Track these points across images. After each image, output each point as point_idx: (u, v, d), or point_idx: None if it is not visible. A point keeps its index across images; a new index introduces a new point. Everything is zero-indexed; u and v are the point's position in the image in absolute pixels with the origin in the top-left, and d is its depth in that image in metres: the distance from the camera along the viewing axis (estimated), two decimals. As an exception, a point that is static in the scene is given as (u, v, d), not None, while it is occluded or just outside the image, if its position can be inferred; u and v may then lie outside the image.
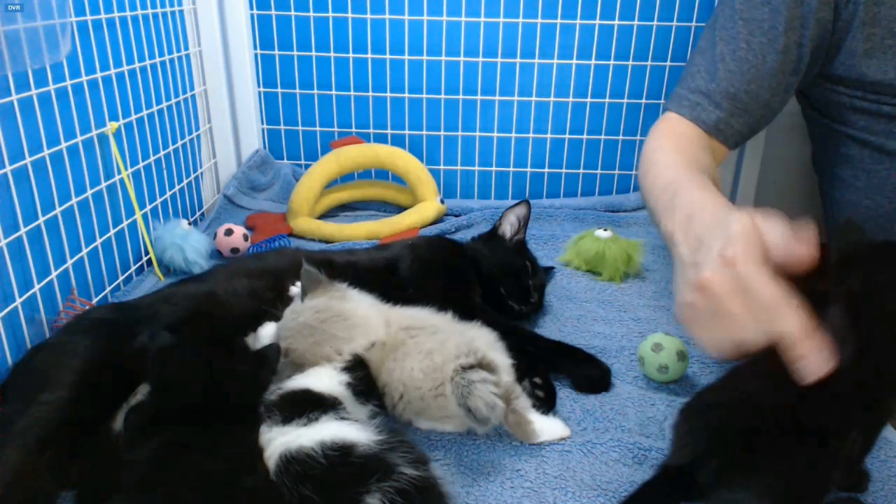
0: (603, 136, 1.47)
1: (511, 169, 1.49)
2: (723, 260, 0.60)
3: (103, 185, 1.01)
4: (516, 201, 1.03)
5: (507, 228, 1.02)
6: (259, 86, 1.44)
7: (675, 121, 1.06)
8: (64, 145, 0.91)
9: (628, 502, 0.59)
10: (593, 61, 1.41)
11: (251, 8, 1.38)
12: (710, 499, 0.57)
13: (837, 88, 1.00)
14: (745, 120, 1.03)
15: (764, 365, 0.61)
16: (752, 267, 0.58)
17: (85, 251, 0.96)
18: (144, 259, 1.12)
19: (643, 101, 1.44)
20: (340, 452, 0.58)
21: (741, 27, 1.00)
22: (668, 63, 1.40)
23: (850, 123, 1.01)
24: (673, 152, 0.95)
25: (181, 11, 1.26)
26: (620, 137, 1.47)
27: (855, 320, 0.58)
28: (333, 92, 1.44)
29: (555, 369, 0.83)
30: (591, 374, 0.83)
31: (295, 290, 0.80)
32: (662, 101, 1.43)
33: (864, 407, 0.58)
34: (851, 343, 0.57)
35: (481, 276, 0.95)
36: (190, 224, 1.12)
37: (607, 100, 1.44)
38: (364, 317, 0.74)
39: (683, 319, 0.66)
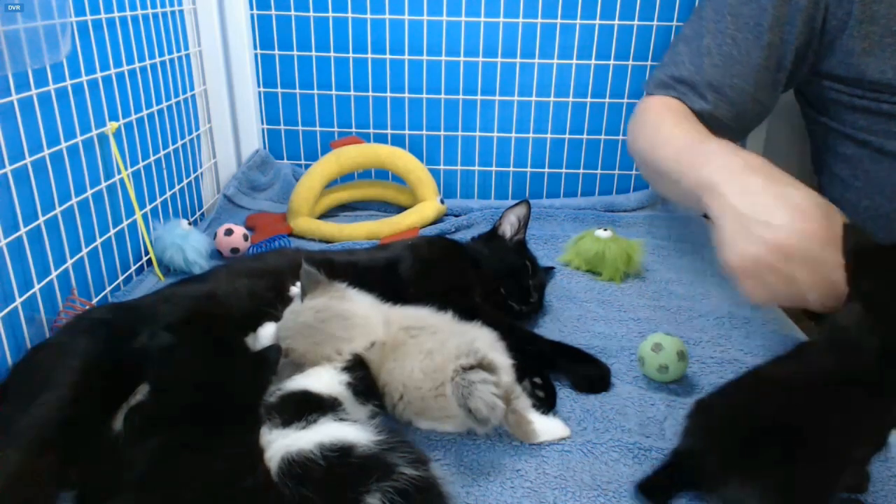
0: (603, 136, 1.47)
1: (511, 169, 1.49)
2: (813, 234, 0.66)
3: (103, 185, 1.01)
4: (516, 201, 1.03)
5: (507, 228, 1.03)
6: (259, 86, 1.44)
7: (667, 99, 1.06)
8: (64, 145, 0.91)
9: (644, 484, 0.61)
10: (593, 61, 1.41)
11: (251, 8, 1.38)
12: (714, 492, 0.58)
13: (836, 86, 1.00)
14: (731, 112, 1.02)
15: (774, 367, 0.62)
16: (836, 256, 0.63)
17: (85, 251, 0.96)
18: (144, 259, 1.12)
19: (643, 101, 1.43)
20: (340, 453, 0.58)
21: (729, 23, 1.00)
22: (668, 63, 1.40)
23: (848, 123, 1.01)
24: (681, 119, 0.97)
25: (181, 11, 1.26)
26: (620, 137, 1.47)
27: (867, 320, 0.59)
28: (333, 92, 1.44)
29: (555, 369, 0.83)
30: (591, 374, 0.83)
31: (295, 290, 0.80)
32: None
33: (874, 408, 0.58)
34: (864, 343, 0.58)
35: (481, 276, 0.95)
36: (190, 224, 1.12)
37: (607, 100, 1.44)
38: (364, 317, 0.74)
39: (739, 269, 0.71)
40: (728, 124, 1.04)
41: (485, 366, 0.68)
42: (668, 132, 0.96)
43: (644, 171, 1.08)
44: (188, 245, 1.07)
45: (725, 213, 0.74)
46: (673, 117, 1.00)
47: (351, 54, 1.41)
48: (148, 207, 1.14)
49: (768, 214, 0.69)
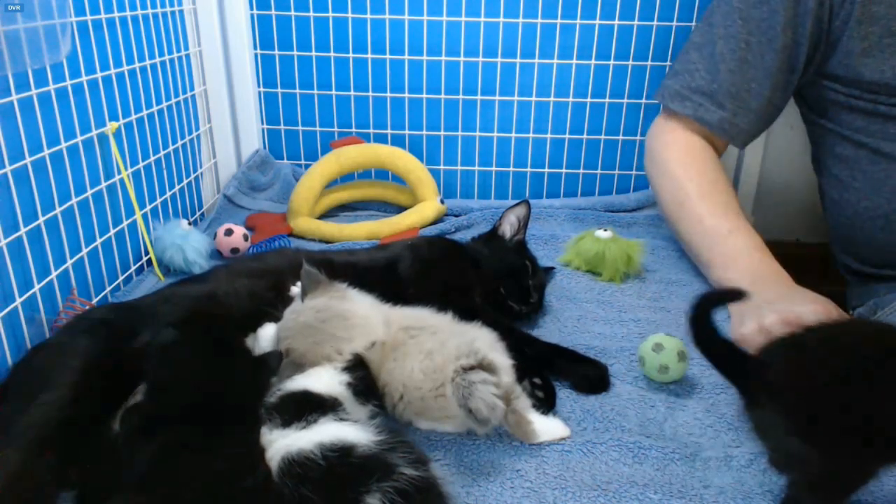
0: (603, 136, 1.47)
1: (511, 169, 1.49)
2: (821, 311, 0.80)
3: (103, 185, 1.01)
4: (516, 201, 1.03)
5: (507, 228, 1.02)
6: (259, 86, 1.44)
7: (681, 128, 1.07)
8: (64, 145, 0.91)
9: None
10: (593, 61, 1.41)
11: (251, 8, 1.38)
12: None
13: (834, 86, 1.00)
14: (749, 118, 1.04)
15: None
16: None
17: (85, 251, 0.96)
18: (144, 259, 1.12)
19: (643, 101, 1.43)
20: (340, 453, 0.58)
21: (740, 26, 1.00)
22: (668, 63, 1.40)
23: (845, 124, 1.01)
24: (707, 184, 1.04)
25: (181, 11, 1.26)
26: (620, 137, 1.47)
27: None
28: (333, 92, 1.44)
29: (553, 371, 0.83)
30: (590, 375, 0.83)
31: (295, 290, 0.80)
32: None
33: None
34: None
35: (481, 277, 0.95)
36: (190, 224, 1.12)
37: (607, 100, 1.44)
38: (364, 317, 0.74)
39: (747, 338, 0.82)
40: (747, 129, 1.05)
41: (485, 366, 0.68)
42: (695, 208, 1.04)
43: (664, 217, 1.16)
44: (188, 245, 1.07)
45: (746, 310, 0.86)
46: (698, 179, 1.05)
47: (351, 54, 1.41)
48: (148, 207, 1.14)
49: (783, 306, 0.82)
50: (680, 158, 1.08)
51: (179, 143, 1.26)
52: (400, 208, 1.37)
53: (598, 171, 1.50)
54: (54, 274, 0.89)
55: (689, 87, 1.06)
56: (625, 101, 1.44)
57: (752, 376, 0.61)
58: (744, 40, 1.00)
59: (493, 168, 1.49)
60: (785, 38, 0.98)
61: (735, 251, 0.96)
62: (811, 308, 0.81)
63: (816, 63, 1.00)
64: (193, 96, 1.33)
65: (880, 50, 0.93)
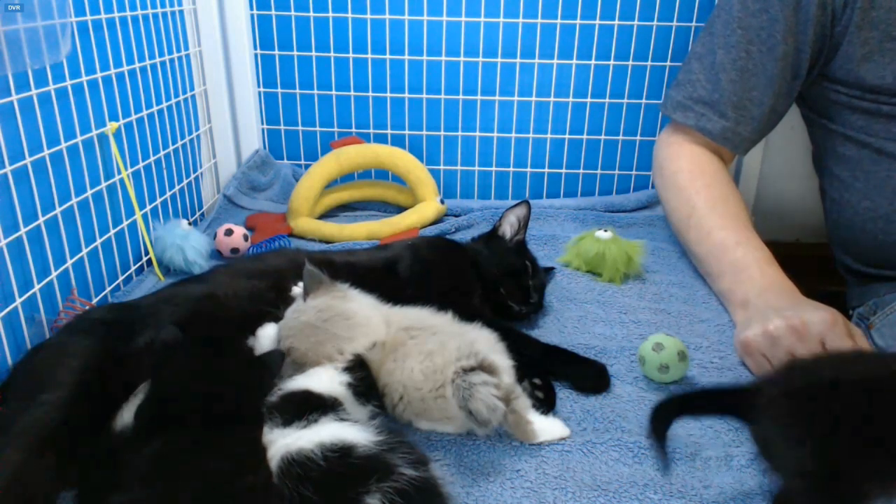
0: (603, 136, 1.47)
1: (511, 169, 1.49)
2: (829, 321, 0.80)
3: (103, 185, 1.01)
4: (516, 201, 1.03)
5: (507, 229, 1.02)
6: (259, 86, 1.44)
7: (687, 139, 1.08)
8: (64, 145, 0.91)
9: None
10: (593, 61, 1.41)
11: (251, 8, 1.38)
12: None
13: (836, 87, 1.00)
14: (752, 126, 1.04)
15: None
16: (843, 341, 0.79)
17: (85, 251, 0.96)
18: (144, 259, 1.12)
19: (643, 101, 1.43)
20: (340, 453, 0.58)
21: (740, 36, 1.00)
22: (668, 63, 1.40)
23: (848, 124, 1.01)
24: (715, 197, 1.05)
25: (181, 11, 1.26)
26: (620, 137, 1.47)
27: None
28: (333, 92, 1.44)
29: (553, 372, 0.82)
30: (589, 374, 0.83)
31: (297, 290, 0.80)
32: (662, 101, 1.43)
33: None
34: None
35: (481, 277, 0.95)
36: (190, 224, 1.12)
37: (607, 100, 1.44)
38: (366, 317, 0.74)
39: (752, 345, 0.83)
40: (749, 136, 1.05)
41: (485, 367, 0.68)
42: (701, 219, 1.04)
43: (673, 230, 1.15)
44: (188, 245, 1.07)
45: (753, 316, 0.86)
46: (705, 192, 1.05)
47: (351, 54, 1.41)
48: (148, 207, 1.14)
49: (790, 312, 0.82)
50: (687, 170, 1.08)
51: (179, 143, 1.26)
52: (400, 208, 1.37)
53: (598, 172, 1.50)
54: (54, 274, 0.89)
55: (692, 98, 1.06)
56: (625, 101, 1.44)
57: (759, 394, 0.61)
58: (744, 49, 1.00)
59: (493, 168, 1.49)
60: (786, 47, 0.98)
61: (743, 263, 0.96)
62: (818, 316, 0.80)
63: (819, 67, 1.00)
64: (193, 96, 1.33)
65: (881, 55, 0.93)
